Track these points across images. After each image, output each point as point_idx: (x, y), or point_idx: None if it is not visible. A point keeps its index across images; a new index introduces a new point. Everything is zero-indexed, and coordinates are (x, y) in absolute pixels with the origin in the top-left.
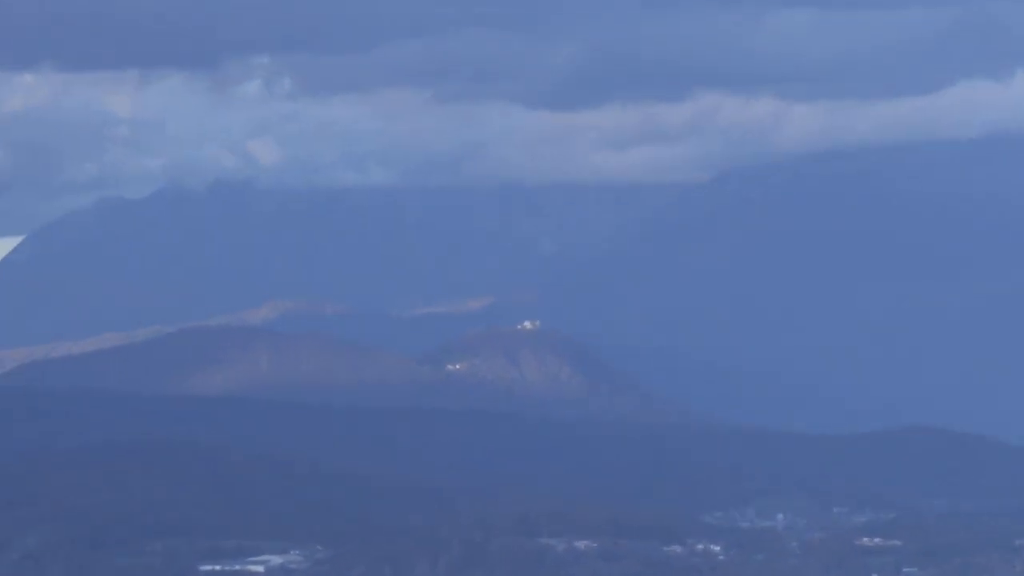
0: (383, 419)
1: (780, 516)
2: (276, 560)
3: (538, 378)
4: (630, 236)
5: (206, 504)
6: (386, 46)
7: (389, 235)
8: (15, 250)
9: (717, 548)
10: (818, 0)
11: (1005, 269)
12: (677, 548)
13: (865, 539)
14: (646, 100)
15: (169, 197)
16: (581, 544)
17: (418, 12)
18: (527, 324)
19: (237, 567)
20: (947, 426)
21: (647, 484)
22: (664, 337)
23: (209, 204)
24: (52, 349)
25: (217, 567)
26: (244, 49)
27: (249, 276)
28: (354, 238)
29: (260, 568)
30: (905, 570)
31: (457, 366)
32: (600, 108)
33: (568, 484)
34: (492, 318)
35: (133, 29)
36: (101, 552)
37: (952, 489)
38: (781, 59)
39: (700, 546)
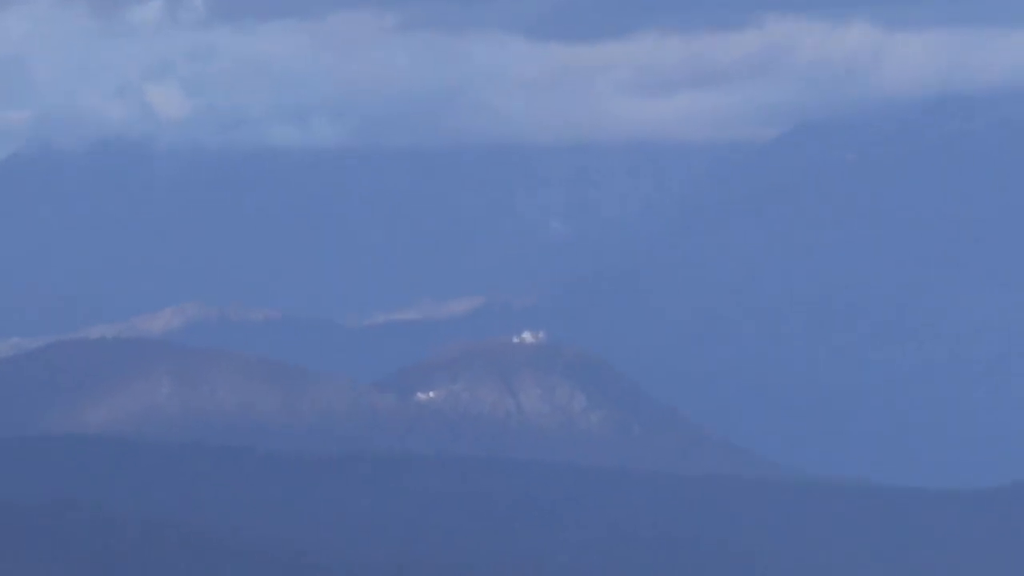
0: (328, 469)
1: None
2: None
3: (543, 411)
4: (668, 215)
5: None
6: None
7: (338, 214)
8: None
9: None
10: None
11: None
12: None
13: None
14: (693, 28)
15: (33, 161)
16: None
17: None
18: (527, 336)
19: None
20: None
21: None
22: (716, 356)
23: (89, 170)
24: None
25: None
26: None
27: (145, 269)
28: (291, 218)
29: None
30: None
31: (431, 394)
32: (629, 39)
33: (591, 569)
34: (480, 328)
35: None
36: None
37: None
38: None
39: None
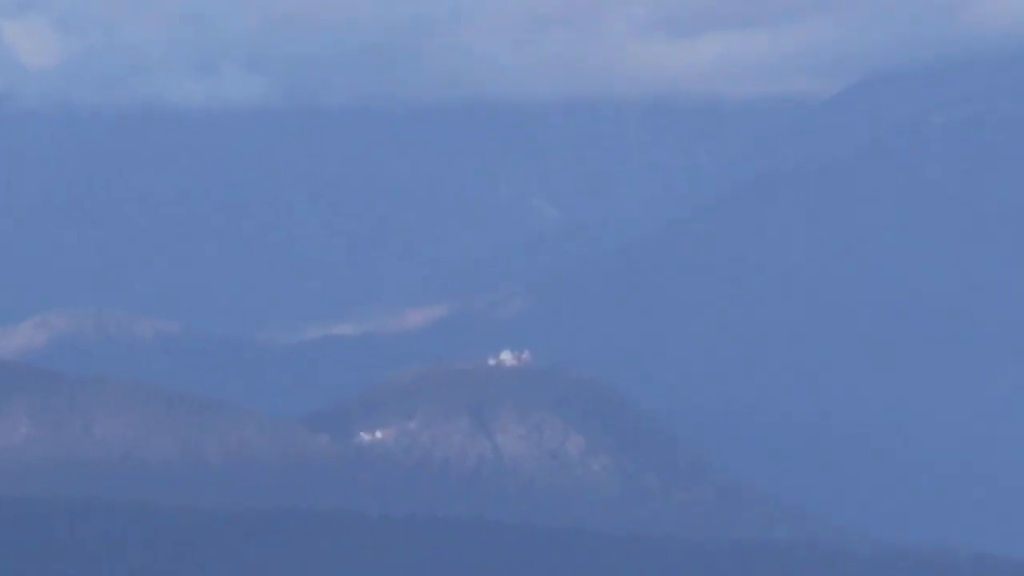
0: (242, 531)
1: None
2: None
3: (528, 456)
4: (698, 195)
5: None
6: None
7: (256, 195)
8: None
9: None
10: None
11: None
12: None
13: None
14: None
15: None
16: None
17: None
18: (507, 356)
19: None
20: None
21: None
22: (759, 384)
23: None
24: None
25: None
26: None
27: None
28: (193, 200)
29: None
30: None
31: (378, 434)
32: None
33: None
34: (444, 345)
35: None
36: None
37: None
38: None
39: None
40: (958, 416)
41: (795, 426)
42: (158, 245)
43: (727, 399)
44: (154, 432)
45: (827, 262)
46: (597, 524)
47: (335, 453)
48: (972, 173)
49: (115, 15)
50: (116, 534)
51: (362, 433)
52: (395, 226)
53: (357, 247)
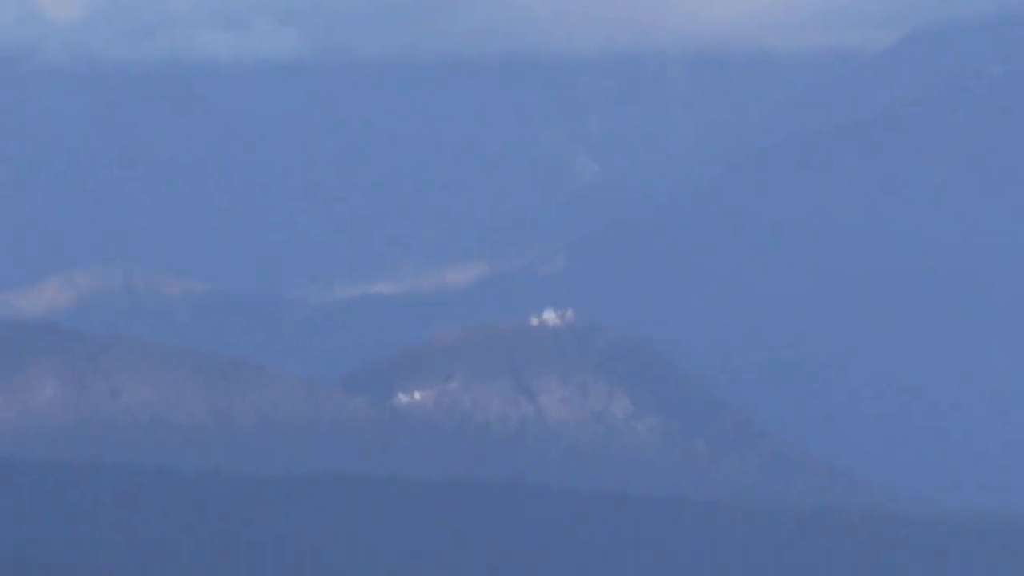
0: (276, 496)
1: None
2: None
3: (571, 419)
4: (744, 150)
5: None
6: None
7: (289, 150)
8: None
9: None
10: None
11: None
12: None
13: None
14: None
15: None
16: None
17: None
18: (550, 316)
19: None
20: None
21: None
22: (813, 344)
23: None
24: None
25: None
26: None
27: (20, 225)
28: (224, 155)
29: None
30: None
31: (417, 396)
32: None
33: None
34: (484, 305)
35: None
36: None
37: None
38: None
39: None
40: (1018, 378)
41: (846, 388)
42: (187, 202)
43: (776, 360)
44: (183, 394)
45: (877, 219)
46: (643, 489)
47: (372, 416)
48: None
49: None
50: (143, 499)
51: (400, 395)
52: (433, 183)
53: (394, 204)
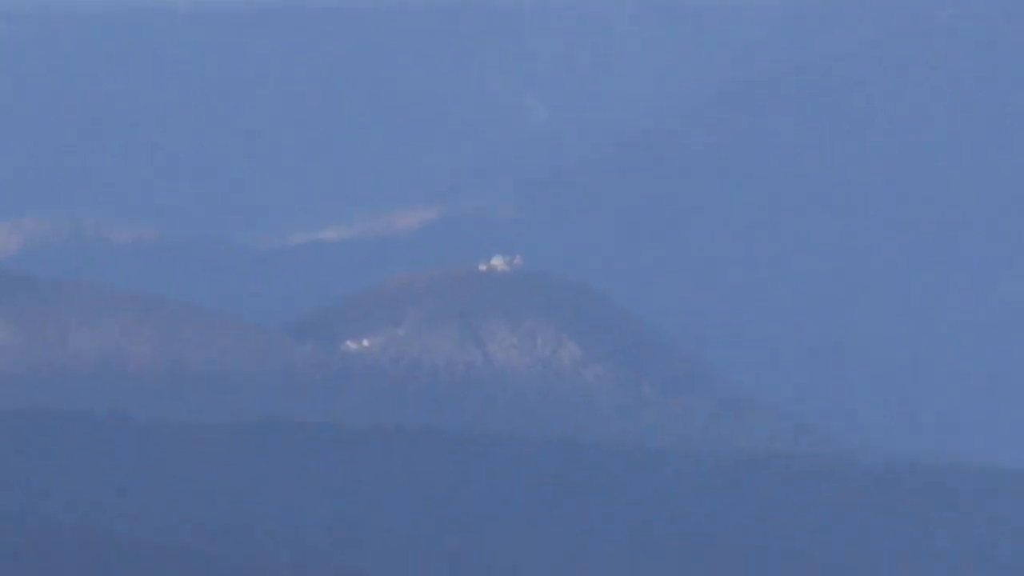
0: (225, 443)
1: None
2: None
3: (520, 364)
4: (698, 93)
5: None
6: None
7: (237, 93)
8: None
9: None
10: None
11: None
12: None
13: None
14: None
15: None
16: None
17: None
18: (498, 261)
19: None
20: None
21: None
22: (762, 291)
23: None
24: None
25: None
26: None
27: None
28: (173, 99)
29: None
30: None
31: (364, 342)
32: None
33: None
34: (432, 250)
35: None
36: None
37: None
38: None
39: None
40: (962, 324)
41: (798, 334)
42: (136, 148)
43: (727, 306)
44: (132, 340)
45: (828, 163)
46: (592, 435)
47: (320, 362)
48: (979, 70)
49: None
50: (93, 446)
51: (348, 341)
52: (381, 128)
53: (343, 150)
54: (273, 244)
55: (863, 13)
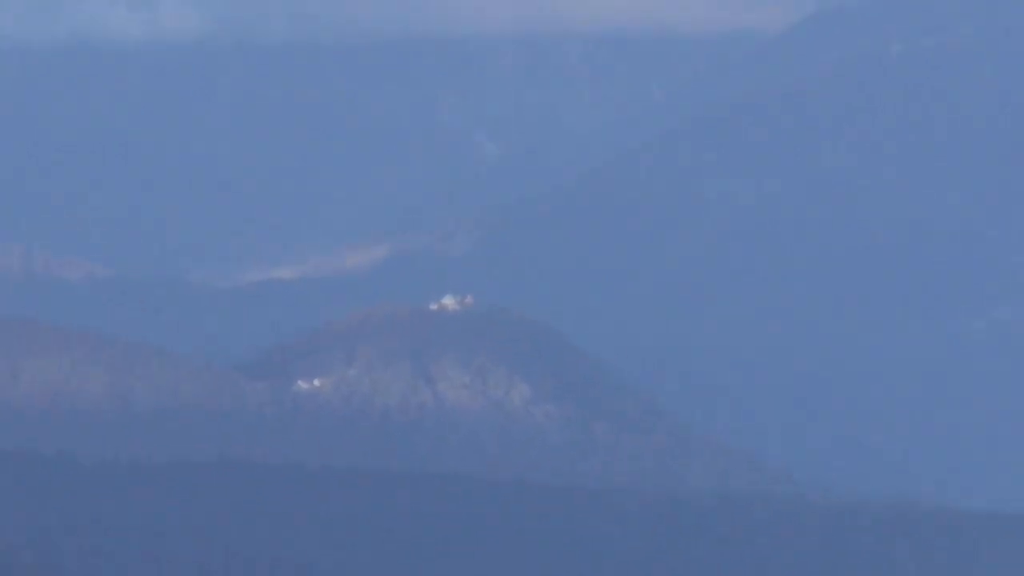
0: (174, 482)
1: None
2: None
3: (471, 405)
4: (646, 131)
5: None
6: None
7: (190, 132)
8: None
9: None
10: None
11: None
12: None
13: None
14: None
15: None
16: None
17: None
18: (449, 300)
19: None
20: None
21: None
22: (712, 328)
23: None
24: None
25: None
26: None
27: None
28: (125, 136)
29: None
30: None
31: (316, 383)
32: None
33: None
34: (384, 289)
35: None
36: None
37: None
38: None
39: None
40: (916, 361)
41: (751, 372)
42: (87, 183)
43: (681, 343)
44: (81, 378)
45: (778, 198)
46: (543, 476)
47: (272, 401)
48: (939, 104)
49: None
50: (41, 486)
51: (300, 381)
52: (333, 164)
53: (294, 185)
54: (223, 282)
55: (811, 49)
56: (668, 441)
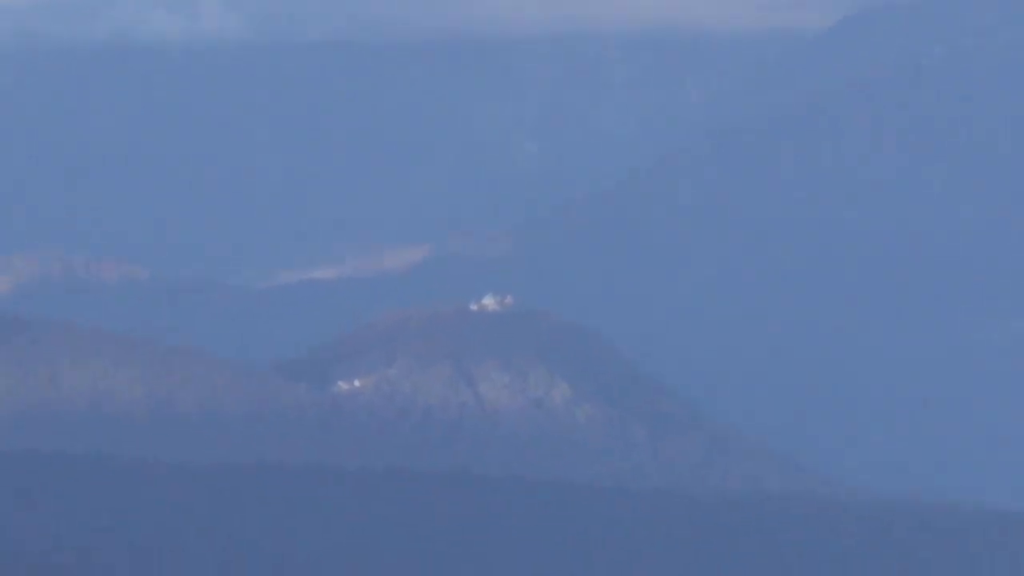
0: (214, 485)
1: None
2: None
3: (511, 405)
4: (686, 134)
5: None
6: None
7: (230, 134)
8: None
9: None
10: None
11: None
12: None
13: None
14: None
15: None
16: None
17: None
18: (490, 301)
19: None
20: None
21: None
22: (753, 331)
23: None
24: None
25: None
26: None
27: None
28: (165, 138)
29: None
30: None
31: (356, 383)
32: None
33: None
34: (424, 290)
35: None
36: None
37: None
38: None
39: None
40: (957, 365)
41: (787, 374)
42: (127, 186)
43: (719, 346)
44: (122, 381)
45: (820, 202)
46: (583, 476)
47: (312, 403)
48: (974, 106)
49: None
50: (82, 488)
51: (340, 382)
52: (373, 165)
53: (335, 188)
54: (263, 284)
55: (851, 51)
56: (706, 443)
